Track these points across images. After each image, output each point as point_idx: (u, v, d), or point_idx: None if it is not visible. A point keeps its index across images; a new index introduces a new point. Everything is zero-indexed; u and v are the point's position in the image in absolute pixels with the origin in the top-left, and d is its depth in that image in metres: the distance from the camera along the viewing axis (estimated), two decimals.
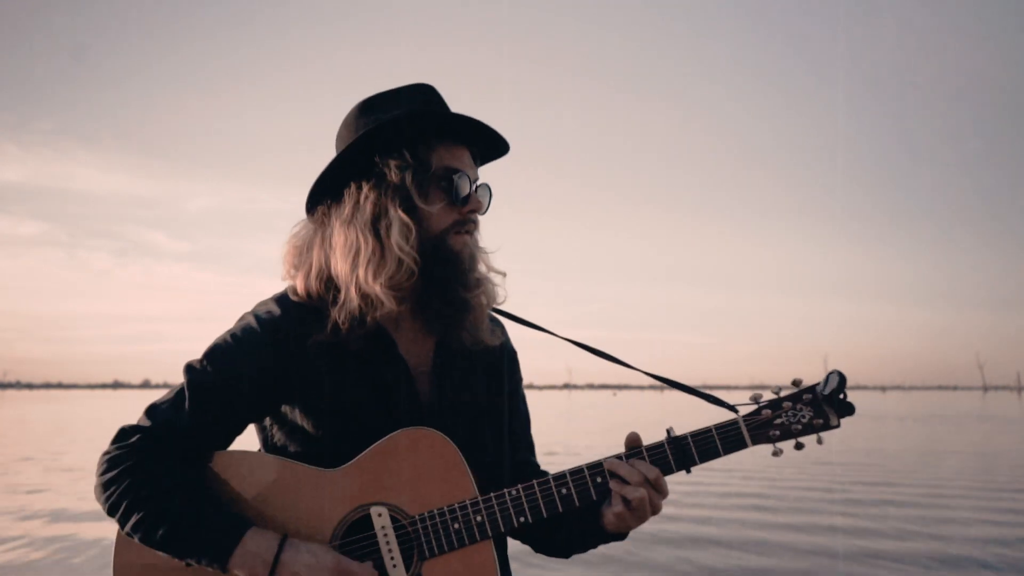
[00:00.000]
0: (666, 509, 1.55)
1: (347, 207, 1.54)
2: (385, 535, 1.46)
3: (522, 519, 1.49)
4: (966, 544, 6.37)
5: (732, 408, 1.56)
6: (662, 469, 1.50)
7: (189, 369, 1.52)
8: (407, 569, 1.46)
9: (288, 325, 1.54)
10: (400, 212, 1.50)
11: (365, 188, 1.54)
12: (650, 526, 1.58)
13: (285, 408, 1.56)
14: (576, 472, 1.51)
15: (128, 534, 1.41)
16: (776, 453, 1.52)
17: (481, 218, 1.66)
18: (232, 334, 1.55)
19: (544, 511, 1.49)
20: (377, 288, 1.49)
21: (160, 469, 1.43)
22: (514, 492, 1.49)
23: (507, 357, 1.76)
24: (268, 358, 1.52)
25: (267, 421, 1.60)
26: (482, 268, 1.64)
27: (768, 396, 1.54)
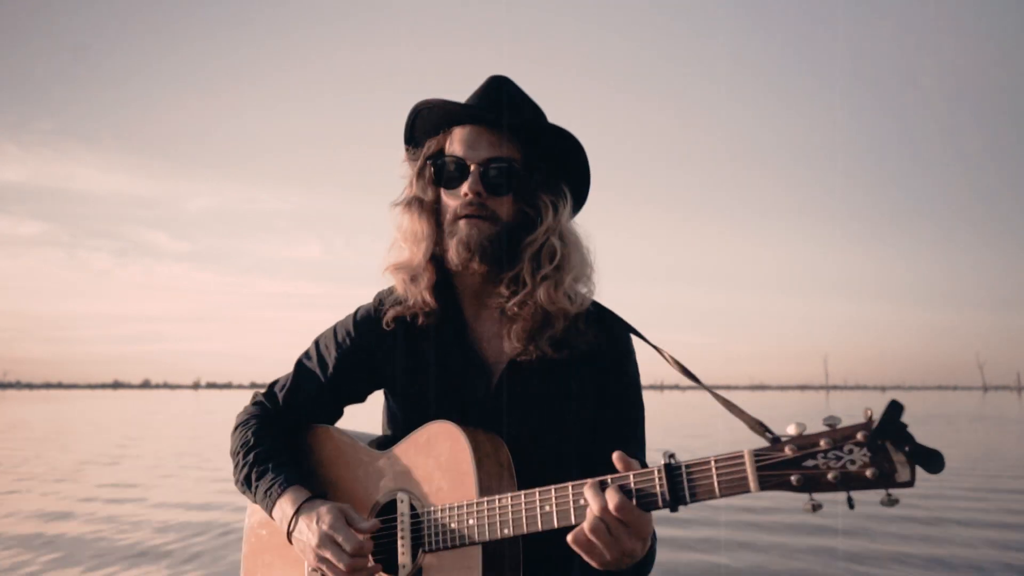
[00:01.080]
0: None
1: None
2: (402, 521, 1.51)
3: (506, 531, 1.37)
4: (966, 545, 6.36)
5: (775, 438, 1.14)
6: (644, 503, 1.21)
7: (302, 353, 1.77)
8: (412, 558, 1.49)
9: (377, 315, 1.69)
10: (403, 204, 1.65)
11: (403, 182, 1.70)
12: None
13: (386, 393, 1.74)
14: (561, 488, 1.31)
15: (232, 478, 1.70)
16: (813, 508, 1.07)
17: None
18: (335, 325, 1.76)
19: (525, 527, 1.34)
20: (392, 271, 1.64)
21: (253, 429, 1.70)
22: (504, 500, 1.37)
23: (608, 357, 1.61)
24: (354, 346, 1.70)
25: (385, 404, 1.77)
26: (545, 262, 1.55)
27: (818, 428, 1.10)
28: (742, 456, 1.13)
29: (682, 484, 1.18)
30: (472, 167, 1.55)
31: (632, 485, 1.23)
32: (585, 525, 1.24)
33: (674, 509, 1.18)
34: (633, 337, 1.63)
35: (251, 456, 1.65)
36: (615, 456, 1.27)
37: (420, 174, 1.63)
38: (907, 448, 1.02)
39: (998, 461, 13.23)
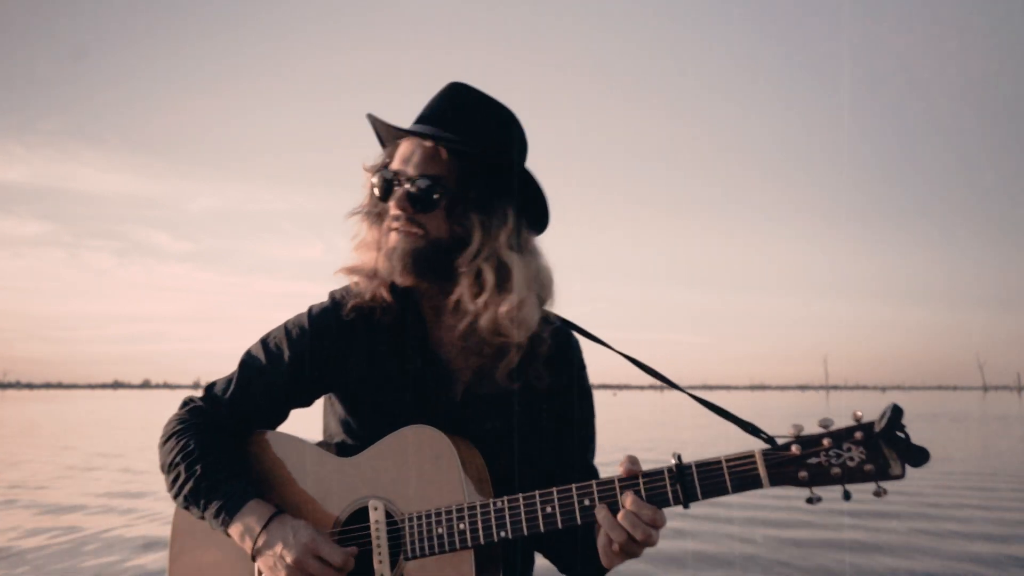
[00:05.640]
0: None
1: None
2: (377, 529, 1.47)
3: (503, 534, 1.38)
4: (966, 548, 6.36)
5: (770, 440, 1.27)
6: (658, 501, 1.30)
7: (246, 353, 1.66)
8: (392, 566, 1.46)
9: (333, 316, 1.63)
10: (358, 214, 1.64)
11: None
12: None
13: (333, 397, 1.66)
14: (564, 490, 1.36)
15: (168, 492, 1.58)
16: (812, 500, 1.21)
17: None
18: (286, 323, 1.67)
19: (526, 529, 1.37)
20: (347, 273, 1.63)
21: (196, 437, 1.57)
22: (499, 504, 1.39)
23: (558, 360, 1.62)
24: (309, 346, 1.62)
25: (326, 409, 1.70)
26: (483, 287, 1.51)
27: (815, 430, 1.24)
28: (753, 455, 1.25)
29: (693, 482, 1.28)
30: (399, 182, 1.53)
31: (643, 487, 1.32)
32: (614, 522, 1.30)
33: (687, 506, 1.28)
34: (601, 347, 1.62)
35: (198, 467, 1.52)
36: (626, 461, 1.35)
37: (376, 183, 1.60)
38: (899, 446, 1.17)
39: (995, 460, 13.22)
